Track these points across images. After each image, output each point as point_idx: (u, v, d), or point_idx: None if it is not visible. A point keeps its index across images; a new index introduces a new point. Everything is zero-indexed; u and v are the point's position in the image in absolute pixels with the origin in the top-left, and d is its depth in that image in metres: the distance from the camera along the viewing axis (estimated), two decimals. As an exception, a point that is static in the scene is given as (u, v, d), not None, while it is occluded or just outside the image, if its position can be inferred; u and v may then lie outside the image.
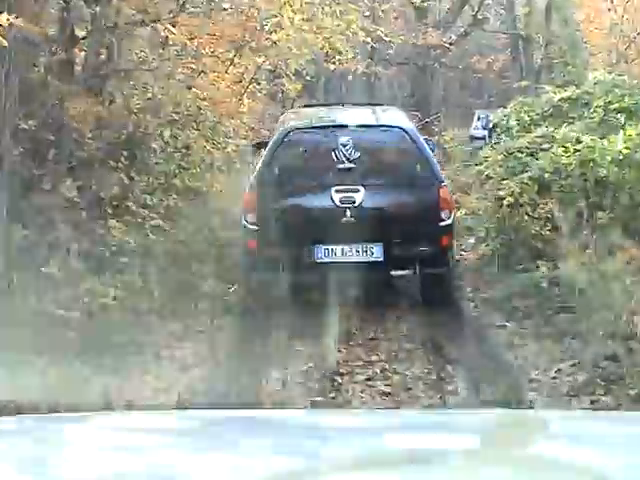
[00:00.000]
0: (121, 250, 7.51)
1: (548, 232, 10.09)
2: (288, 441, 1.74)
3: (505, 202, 11.11)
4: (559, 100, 17.79)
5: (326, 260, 8.71)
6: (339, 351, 7.78)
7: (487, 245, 11.55)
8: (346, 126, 9.52)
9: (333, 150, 8.97)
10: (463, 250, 12.95)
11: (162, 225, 8.59)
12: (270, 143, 9.45)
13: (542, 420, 1.68)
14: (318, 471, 1.31)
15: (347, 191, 8.80)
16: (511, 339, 8.46)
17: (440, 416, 2.59)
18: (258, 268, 8.81)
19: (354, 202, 8.75)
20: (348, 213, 8.68)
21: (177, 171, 10.27)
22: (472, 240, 13.18)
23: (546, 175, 10.80)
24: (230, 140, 13.16)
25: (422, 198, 9.10)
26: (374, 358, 7.84)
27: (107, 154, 8.57)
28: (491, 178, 16.91)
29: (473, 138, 24.20)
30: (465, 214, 14.88)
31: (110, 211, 7.82)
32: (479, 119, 26.14)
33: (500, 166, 17.38)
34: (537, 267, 9.77)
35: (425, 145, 9.47)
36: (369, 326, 8.85)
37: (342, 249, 8.71)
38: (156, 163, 9.56)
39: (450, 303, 9.42)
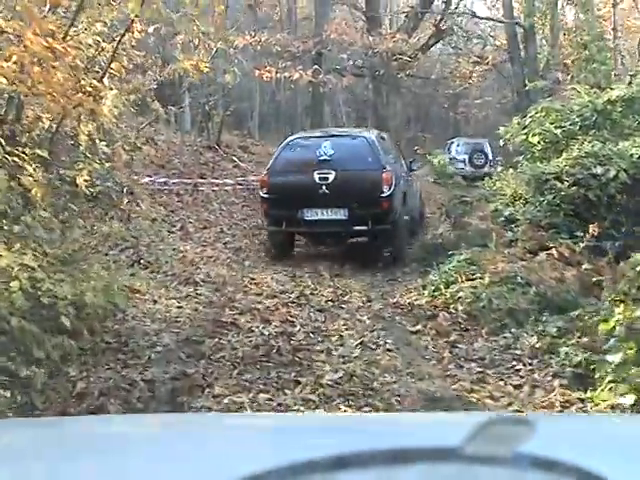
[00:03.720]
0: None
1: None
2: (272, 444, 1.75)
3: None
4: (605, 102, 12.13)
5: (311, 218, 12.81)
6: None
7: None
8: (327, 136, 14.20)
9: (317, 149, 13.10)
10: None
11: None
12: (279, 146, 14.23)
13: (530, 422, 1.28)
14: (300, 472, 1.24)
15: (323, 173, 12.76)
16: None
17: (426, 417, 2.94)
18: (270, 223, 13.48)
19: (328, 180, 12.70)
20: (324, 187, 12.69)
21: None
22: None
23: None
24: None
25: (371, 178, 12.70)
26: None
27: None
28: (515, 221, 11.11)
29: (455, 160, 26.51)
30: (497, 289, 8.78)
31: None
32: (459, 145, 29.97)
33: (526, 201, 11.65)
34: None
35: (378, 147, 13.33)
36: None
37: (321, 211, 12.79)
38: None
39: (391, 245, 12.98)
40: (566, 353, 6.59)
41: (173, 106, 19.54)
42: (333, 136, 14.07)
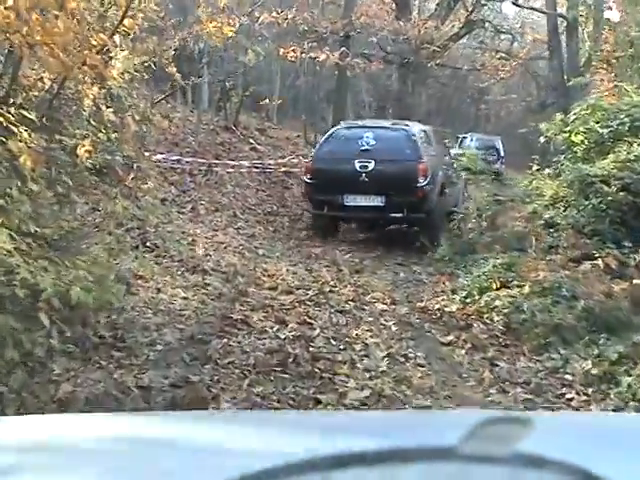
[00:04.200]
0: None
1: None
2: (269, 443, 1.63)
3: None
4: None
5: (350, 204, 13.67)
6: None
7: None
8: (369, 126, 15.12)
9: (359, 139, 14.03)
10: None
11: None
12: (325, 135, 15.46)
13: (526, 419, 1.29)
14: (300, 470, 1.21)
15: (364, 162, 13.57)
16: None
17: (423, 415, 2.82)
18: (313, 206, 14.53)
19: (367, 168, 13.52)
20: (364, 175, 13.50)
21: None
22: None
23: None
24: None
25: (408, 168, 13.46)
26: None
27: None
28: (555, 225, 10.19)
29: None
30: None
31: None
32: (472, 140, 29.17)
33: (568, 204, 10.73)
34: None
35: (418, 140, 13.98)
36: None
37: (360, 197, 13.61)
38: None
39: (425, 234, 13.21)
40: (629, 385, 5.68)
41: (194, 77, 18.62)
42: (375, 127, 14.93)
